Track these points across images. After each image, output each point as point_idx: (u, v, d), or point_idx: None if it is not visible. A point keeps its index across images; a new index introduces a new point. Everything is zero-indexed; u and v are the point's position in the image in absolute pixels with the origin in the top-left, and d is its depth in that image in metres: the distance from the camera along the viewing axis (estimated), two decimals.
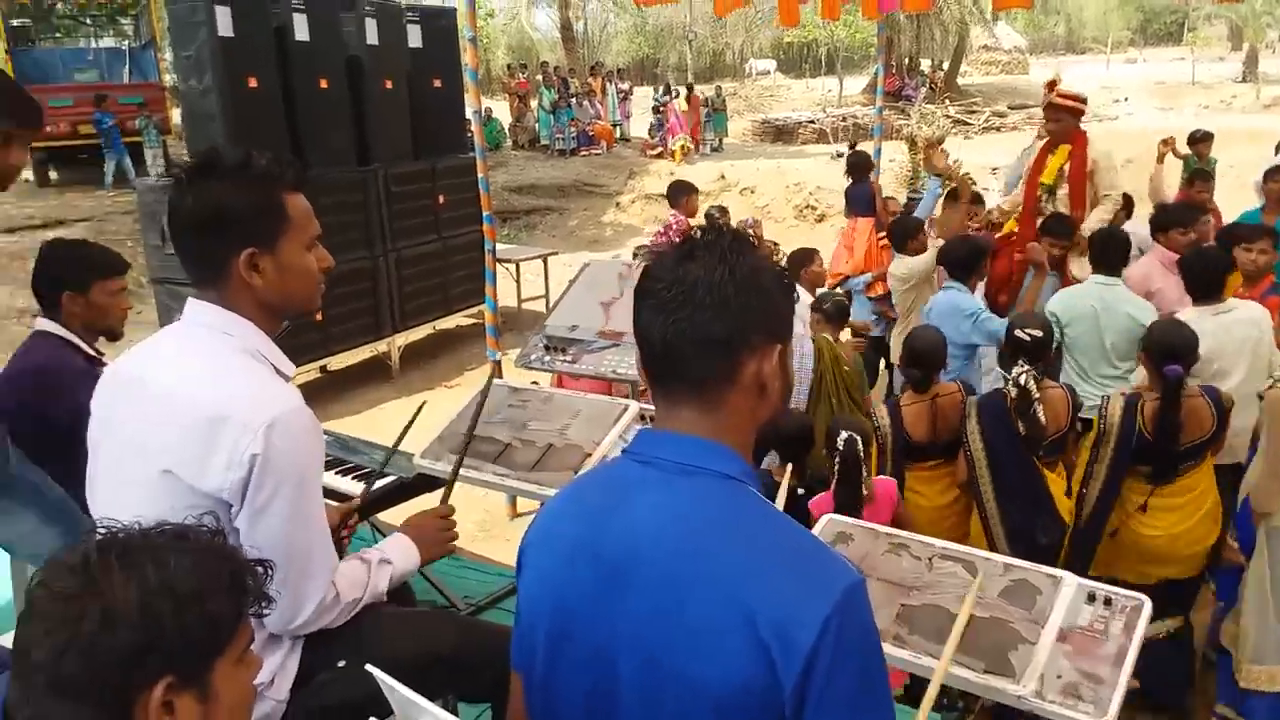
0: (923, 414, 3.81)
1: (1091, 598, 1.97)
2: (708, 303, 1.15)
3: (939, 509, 3.85)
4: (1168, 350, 3.42)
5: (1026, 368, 3.54)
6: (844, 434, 3.41)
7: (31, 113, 2.44)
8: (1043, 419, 3.51)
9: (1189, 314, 3.92)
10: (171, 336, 1.79)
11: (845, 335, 5.42)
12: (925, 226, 6.03)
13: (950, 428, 3.79)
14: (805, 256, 5.53)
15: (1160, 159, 7.21)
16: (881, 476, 3.69)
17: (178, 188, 1.68)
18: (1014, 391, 3.51)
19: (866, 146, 8.85)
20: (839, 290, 6.53)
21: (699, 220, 7.21)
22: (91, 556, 1.09)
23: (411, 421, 2.48)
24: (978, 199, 7.15)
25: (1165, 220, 5.05)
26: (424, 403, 2.66)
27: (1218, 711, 3.49)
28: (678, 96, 20.61)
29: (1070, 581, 2.01)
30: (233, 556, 1.18)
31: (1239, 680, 3.37)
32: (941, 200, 6.53)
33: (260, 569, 1.22)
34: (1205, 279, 3.98)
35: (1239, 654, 3.37)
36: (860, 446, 3.40)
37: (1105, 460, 3.55)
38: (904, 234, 5.65)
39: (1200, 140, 8.41)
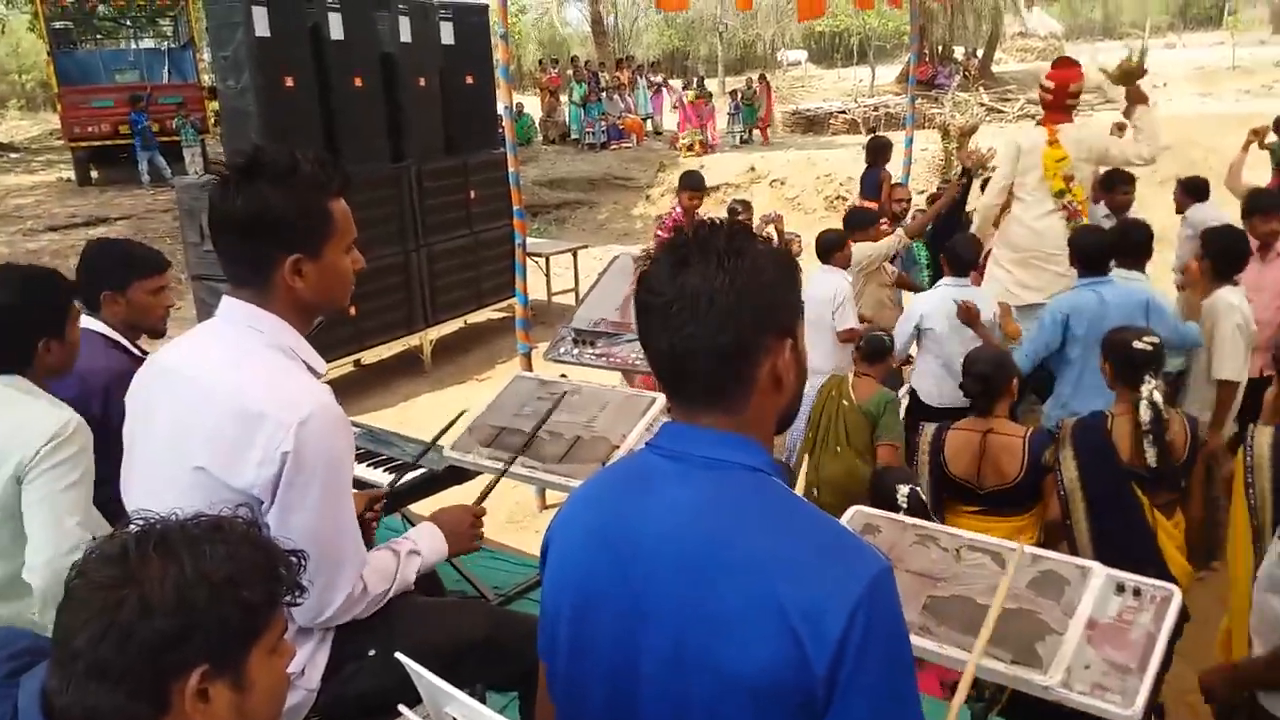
0: (968, 446, 3.43)
1: (1121, 588, 1.96)
2: (712, 315, 1.13)
3: None
4: None
5: (1156, 382, 3.05)
6: (903, 489, 3.11)
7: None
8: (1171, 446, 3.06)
9: (1235, 295, 3.83)
10: (205, 333, 1.82)
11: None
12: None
13: (996, 472, 3.37)
14: (835, 242, 5.48)
15: (1245, 147, 6.82)
16: None
17: (223, 187, 1.67)
18: (1148, 413, 3.01)
19: (898, 136, 8.79)
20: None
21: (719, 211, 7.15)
22: (130, 547, 1.12)
23: (450, 424, 2.54)
24: None
25: (1251, 206, 4.83)
26: (464, 411, 2.71)
27: None
28: (689, 88, 20.55)
29: (1099, 572, 2.00)
30: (267, 546, 1.21)
31: None
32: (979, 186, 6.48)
33: (294, 559, 1.25)
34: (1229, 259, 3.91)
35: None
36: (925, 497, 3.13)
37: (1267, 505, 2.74)
38: (856, 225, 5.71)
39: None
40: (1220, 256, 3.99)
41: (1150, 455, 3.02)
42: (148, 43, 17.99)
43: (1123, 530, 3.08)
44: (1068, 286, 4.46)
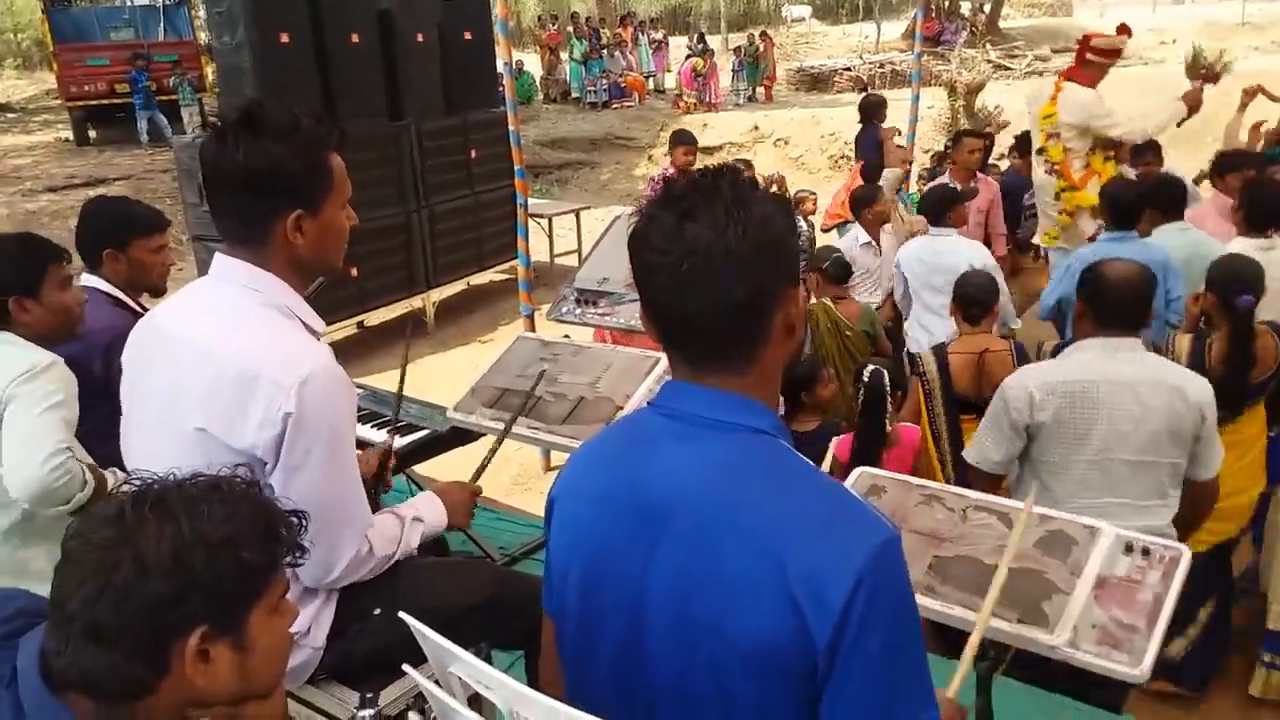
0: (968, 366, 3.69)
1: (1129, 548, 1.95)
2: (728, 268, 1.09)
3: None
4: (1237, 279, 3.24)
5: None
6: (871, 366, 3.46)
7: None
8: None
9: (1241, 244, 3.82)
10: (200, 292, 1.80)
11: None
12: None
13: (993, 385, 3.60)
14: (869, 195, 5.53)
15: (1242, 107, 6.55)
16: (907, 424, 3.65)
17: (220, 143, 1.65)
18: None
19: (904, 93, 8.72)
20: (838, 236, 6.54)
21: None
22: (126, 507, 1.10)
23: (402, 370, 2.64)
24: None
25: (1226, 163, 4.88)
26: (406, 362, 2.74)
27: (1264, 659, 3.42)
28: (694, 55, 20.20)
29: (1109, 532, 1.99)
30: (267, 506, 1.19)
31: (1268, 623, 3.34)
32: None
33: (294, 519, 1.23)
34: (1271, 210, 3.88)
35: (1271, 598, 3.33)
36: (886, 380, 3.41)
37: None
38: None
39: None
40: (1252, 206, 3.96)
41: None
42: (143, 0, 17.75)
43: None
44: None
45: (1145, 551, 1.93)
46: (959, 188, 5.62)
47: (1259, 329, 3.31)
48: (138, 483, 1.15)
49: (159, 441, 1.70)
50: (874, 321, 4.68)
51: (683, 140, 6.75)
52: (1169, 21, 29.79)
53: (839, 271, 4.64)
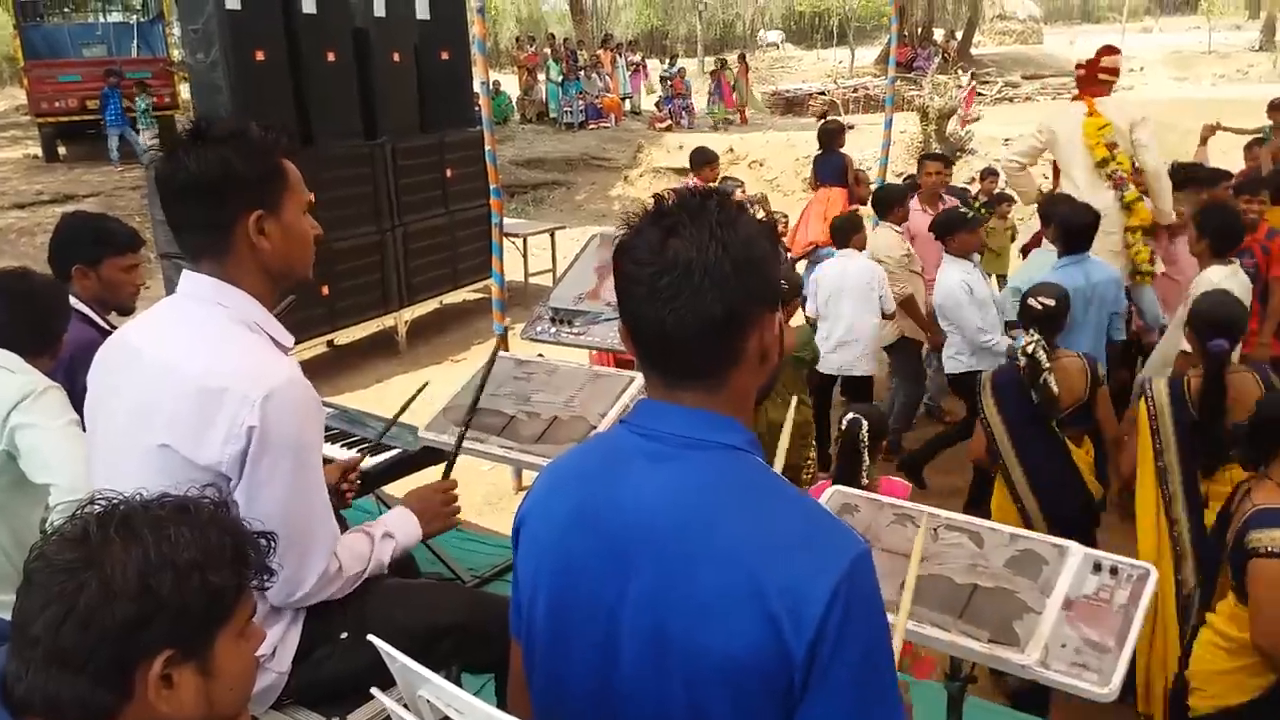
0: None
1: (1098, 567, 1.97)
2: (706, 286, 1.09)
3: None
4: (1212, 323, 3.18)
5: (1036, 337, 3.49)
6: (848, 416, 3.36)
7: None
8: (1055, 389, 3.45)
9: (1219, 273, 3.86)
10: (166, 309, 1.79)
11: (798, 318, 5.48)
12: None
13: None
14: (853, 223, 5.57)
15: (1203, 141, 7.05)
16: (892, 478, 3.59)
17: (172, 156, 1.67)
18: (1023, 361, 3.49)
19: (877, 118, 8.85)
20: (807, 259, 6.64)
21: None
22: (91, 528, 1.08)
23: (413, 398, 2.51)
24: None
25: (1185, 179, 5.00)
26: (427, 383, 2.67)
27: None
28: (668, 76, 20.49)
29: (1076, 551, 2.00)
30: (234, 528, 1.18)
31: None
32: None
33: (263, 541, 1.22)
34: (1232, 235, 3.96)
35: None
36: (864, 430, 3.28)
37: (1171, 449, 3.21)
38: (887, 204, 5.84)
39: (1275, 108, 7.85)
40: (1216, 234, 4.02)
41: (1034, 395, 3.47)
42: (116, 16, 17.62)
43: (1043, 457, 3.54)
44: (1117, 261, 4.55)
45: (1113, 570, 1.95)
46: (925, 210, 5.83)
47: (1239, 371, 3.22)
48: (102, 503, 1.13)
49: (123, 460, 1.68)
50: (808, 346, 4.60)
51: (704, 160, 6.86)
52: (1137, 49, 30.39)
53: (787, 289, 4.52)
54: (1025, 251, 5.93)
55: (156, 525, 1.10)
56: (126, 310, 2.98)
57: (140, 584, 1.05)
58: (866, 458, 3.28)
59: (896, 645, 1.59)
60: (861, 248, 5.44)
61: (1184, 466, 3.21)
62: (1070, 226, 4.32)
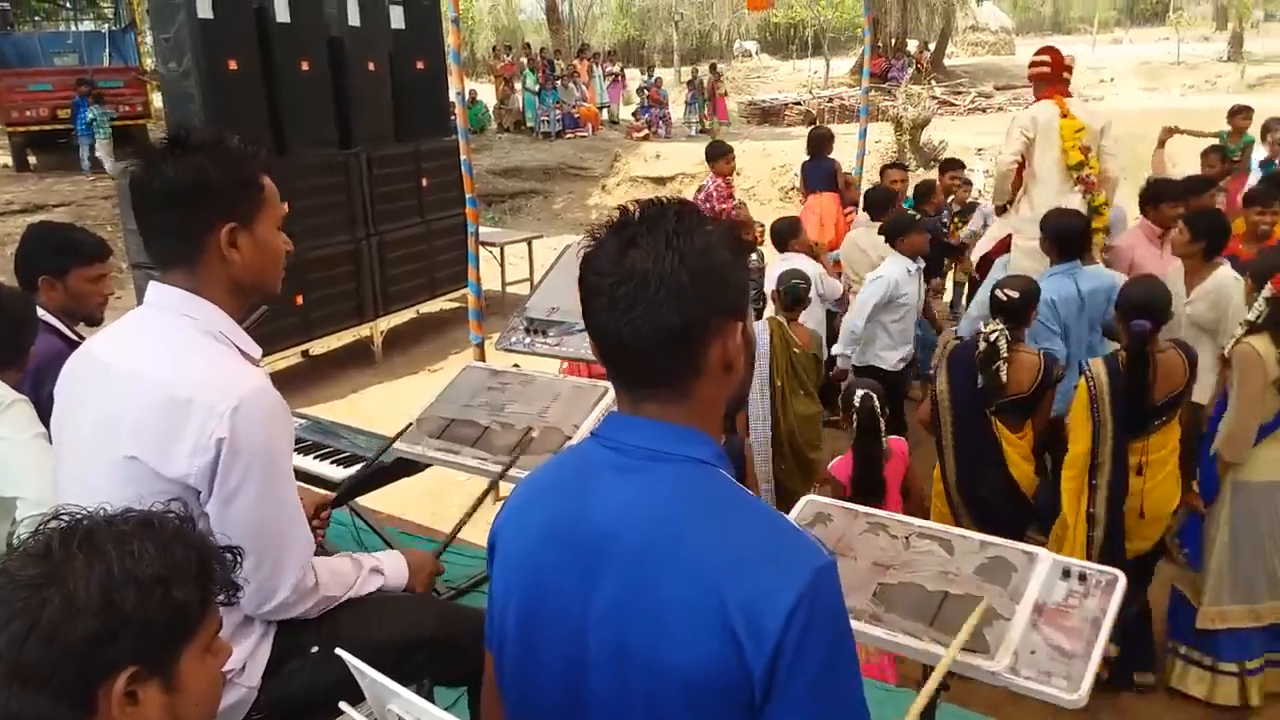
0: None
1: (1066, 573, 1.98)
2: (662, 297, 1.10)
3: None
4: (1135, 306, 3.44)
5: (1000, 327, 3.65)
6: (860, 392, 3.66)
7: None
8: (1003, 377, 3.62)
9: (1228, 274, 4.01)
10: (133, 321, 1.77)
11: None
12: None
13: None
14: (791, 227, 5.69)
15: (1160, 144, 7.20)
16: (894, 436, 3.86)
17: (149, 164, 1.66)
18: (983, 346, 3.65)
19: (851, 128, 8.93)
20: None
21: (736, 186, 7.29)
22: (54, 544, 1.08)
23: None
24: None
25: (1156, 193, 5.02)
26: (410, 425, 2.74)
27: (1180, 652, 3.66)
28: (646, 87, 20.59)
29: (1045, 558, 2.02)
30: (199, 543, 1.17)
31: (1197, 623, 3.55)
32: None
33: (229, 556, 1.21)
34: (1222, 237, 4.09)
35: (1206, 601, 3.53)
36: (876, 403, 3.62)
37: (1108, 422, 3.50)
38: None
39: (1235, 114, 8.10)
40: (1210, 236, 4.10)
41: (980, 378, 3.66)
42: (88, 25, 17.48)
43: (974, 433, 3.76)
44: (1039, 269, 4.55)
45: (1082, 577, 1.97)
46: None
47: (1166, 348, 3.48)
48: (66, 518, 1.12)
49: (90, 472, 1.67)
50: (821, 347, 4.88)
51: (719, 153, 7.07)
52: (1108, 60, 30.82)
53: (793, 299, 4.72)
54: (983, 263, 5.85)
55: (120, 540, 1.09)
56: (94, 321, 2.94)
57: (103, 599, 1.04)
58: (883, 425, 3.66)
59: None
60: (804, 251, 5.62)
61: (1116, 436, 3.50)
62: (1062, 235, 4.36)
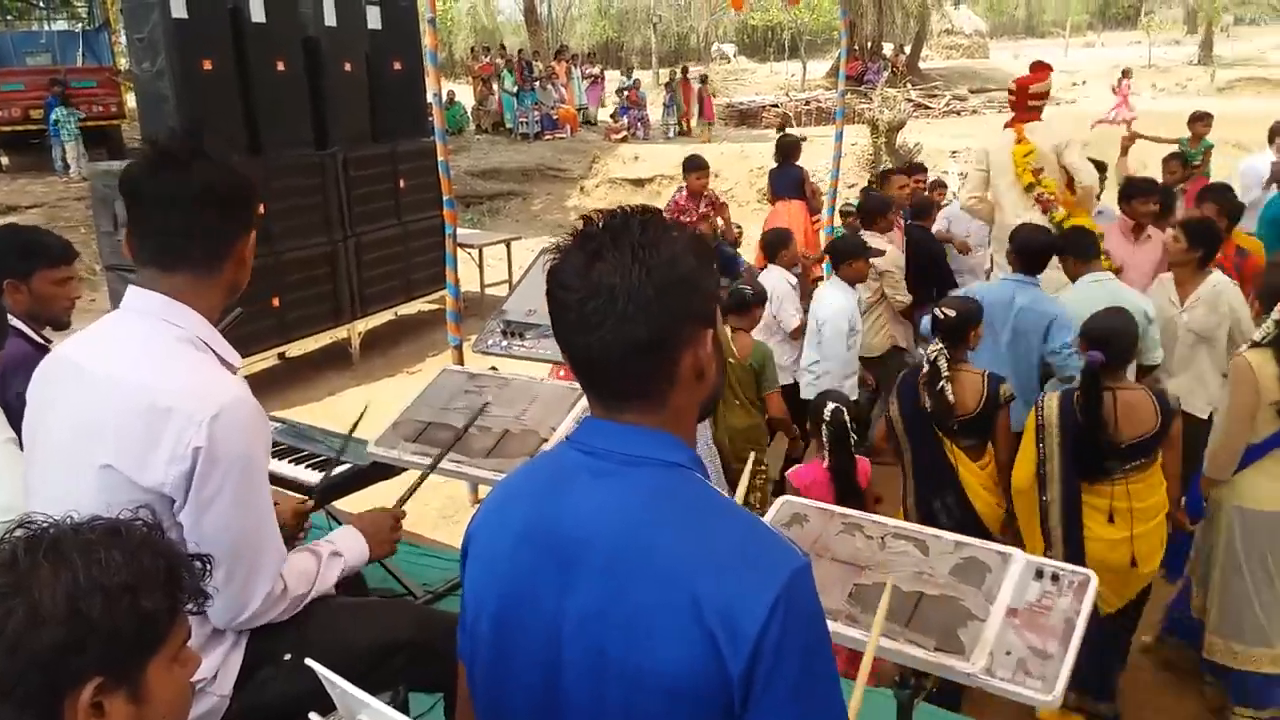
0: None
1: (1040, 574, 2.00)
2: (630, 311, 1.09)
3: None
4: (1094, 337, 3.33)
5: (939, 347, 3.65)
6: (830, 405, 3.69)
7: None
8: (950, 397, 3.58)
9: (1225, 279, 4.08)
10: (112, 325, 1.75)
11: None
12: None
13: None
14: (780, 238, 5.63)
15: (1124, 151, 7.62)
16: (859, 456, 3.86)
17: (174, 165, 1.66)
18: (925, 367, 3.67)
19: (828, 130, 8.97)
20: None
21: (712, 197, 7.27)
22: (19, 553, 1.06)
23: (361, 416, 2.59)
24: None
25: (1131, 190, 5.16)
26: (367, 406, 2.72)
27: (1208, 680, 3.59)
28: (625, 89, 20.61)
29: (1019, 558, 2.03)
30: (168, 551, 1.16)
31: (1204, 653, 3.48)
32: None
33: (199, 564, 1.20)
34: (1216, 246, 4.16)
35: (1207, 625, 3.47)
36: (847, 416, 3.66)
37: (1054, 458, 3.39)
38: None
39: (1194, 121, 8.31)
40: (1206, 244, 4.15)
41: (927, 400, 3.63)
42: (61, 24, 17.27)
43: (929, 459, 3.73)
44: (1060, 281, 4.56)
45: (1054, 577, 1.98)
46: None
47: (1133, 388, 3.36)
48: (32, 526, 1.11)
49: (63, 477, 1.65)
50: (765, 359, 4.58)
51: (696, 165, 6.94)
52: (1080, 63, 31.13)
53: (737, 304, 4.54)
54: None
55: (86, 549, 1.08)
56: (61, 324, 2.91)
57: (69, 608, 1.03)
58: (854, 437, 3.70)
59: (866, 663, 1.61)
60: (790, 263, 5.55)
61: (1064, 476, 3.39)
62: (1024, 249, 4.36)
